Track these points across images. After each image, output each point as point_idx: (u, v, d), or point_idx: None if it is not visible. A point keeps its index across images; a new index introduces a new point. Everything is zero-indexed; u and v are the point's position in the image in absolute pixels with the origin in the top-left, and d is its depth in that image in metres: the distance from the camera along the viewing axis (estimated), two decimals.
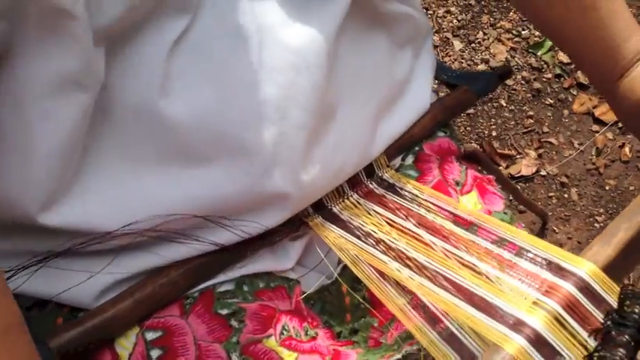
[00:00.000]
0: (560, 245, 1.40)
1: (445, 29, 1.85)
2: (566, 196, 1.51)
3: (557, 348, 0.44)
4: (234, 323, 0.53)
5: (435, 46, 1.81)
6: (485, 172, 0.72)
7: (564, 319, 0.46)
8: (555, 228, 1.44)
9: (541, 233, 1.31)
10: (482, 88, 0.76)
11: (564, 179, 1.53)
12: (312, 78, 0.51)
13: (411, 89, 0.66)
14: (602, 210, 1.46)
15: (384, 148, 0.63)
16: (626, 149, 1.58)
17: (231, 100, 0.48)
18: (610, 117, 1.64)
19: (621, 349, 0.43)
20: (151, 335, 0.51)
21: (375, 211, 0.61)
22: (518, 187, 1.51)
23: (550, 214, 1.45)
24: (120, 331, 0.51)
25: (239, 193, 0.51)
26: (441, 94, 0.75)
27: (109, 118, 0.47)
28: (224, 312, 0.53)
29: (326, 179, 0.56)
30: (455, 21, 1.86)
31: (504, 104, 1.68)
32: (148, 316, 0.52)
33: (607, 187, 1.52)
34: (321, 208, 0.60)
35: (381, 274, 0.55)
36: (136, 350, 0.51)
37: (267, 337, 0.54)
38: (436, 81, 0.79)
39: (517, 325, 0.45)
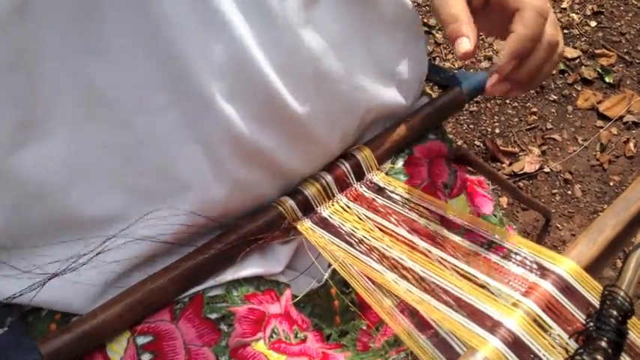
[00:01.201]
0: (564, 242, 1.40)
1: None
2: (569, 192, 1.50)
3: (535, 350, 0.44)
4: (223, 327, 0.54)
5: (438, 44, 1.81)
6: (478, 173, 0.73)
7: (543, 320, 0.46)
8: (559, 225, 1.44)
9: (544, 230, 1.31)
10: (474, 88, 0.76)
11: (568, 176, 1.52)
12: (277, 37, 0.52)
13: (398, 74, 0.67)
14: (606, 206, 1.46)
15: (363, 126, 0.64)
16: (631, 145, 1.57)
17: (190, 48, 0.49)
18: (614, 112, 1.63)
19: (600, 354, 0.43)
20: (141, 340, 0.53)
21: (365, 215, 0.62)
22: (521, 185, 1.51)
23: (553, 211, 1.45)
24: (111, 337, 0.52)
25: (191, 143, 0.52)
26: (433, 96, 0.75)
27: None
28: (213, 316, 0.54)
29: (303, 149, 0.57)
30: None
31: (508, 101, 1.68)
32: (138, 321, 0.53)
33: (611, 183, 1.51)
34: (309, 210, 0.61)
35: (370, 278, 0.55)
36: (127, 355, 0.52)
37: (256, 340, 0.55)
38: (428, 82, 0.79)
39: (494, 327, 0.45)
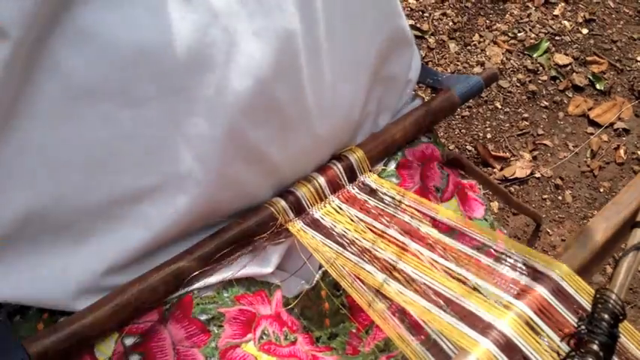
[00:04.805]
0: (554, 247, 1.40)
1: (441, 32, 1.85)
2: (560, 198, 1.50)
3: (527, 352, 0.44)
4: (213, 328, 0.54)
5: (431, 49, 1.81)
6: (469, 177, 0.72)
7: (535, 323, 0.46)
8: (549, 230, 1.44)
9: (534, 235, 1.31)
10: (467, 92, 0.76)
11: (559, 181, 1.53)
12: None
13: (386, 76, 0.66)
14: (596, 212, 1.46)
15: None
16: (621, 151, 1.57)
17: (176, 40, 0.48)
18: (605, 119, 1.64)
19: (591, 357, 0.43)
20: (129, 341, 0.52)
21: (357, 217, 0.61)
22: (512, 190, 1.51)
23: (544, 216, 1.45)
24: (99, 337, 0.51)
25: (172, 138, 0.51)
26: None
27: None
28: (203, 317, 0.54)
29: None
30: (451, 23, 1.86)
31: (499, 106, 1.68)
32: (127, 321, 0.52)
33: (601, 190, 1.51)
34: (301, 212, 0.60)
35: (361, 280, 0.55)
36: (114, 355, 0.51)
37: (246, 341, 0.54)
38: (421, 85, 0.79)
39: (486, 329, 0.45)
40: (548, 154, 1.59)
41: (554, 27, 1.87)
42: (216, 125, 0.51)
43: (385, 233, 0.59)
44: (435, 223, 0.60)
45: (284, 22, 0.52)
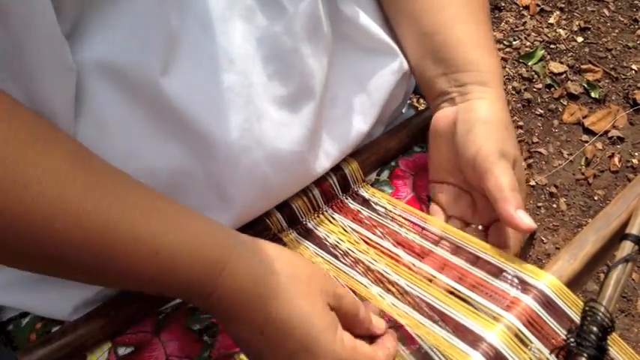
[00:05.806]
0: (548, 256, 1.41)
1: None
2: (554, 206, 1.51)
3: None
4: (206, 338, 0.54)
5: None
6: None
7: (524, 335, 0.46)
8: (543, 238, 1.45)
9: (529, 243, 1.31)
10: None
11: (553, 189, 1.54)
12: (273, 68, 0.52)
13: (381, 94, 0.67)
14: (590, 220, 1.47)
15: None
16: (616, 159, 1.59)
17: (197, 86, 0.49)
18: (600, 127, 1.65)
19: None
20: (122, 351, 0.52)
21: (351, 227, 0.62)
22: None
23: (538, 224, 1.46)
24: (92, 347, 0.52)
25: (197, 175, 0.51)
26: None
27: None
28: (196, 327, 0.54)
29: (295, 175, 0.57)
30: None
31: None
32: (121, 331, 0.53)
33: (596, 198, 1.52)
34: (295, 222, 0.61)
35: (354, 291, 0.55)
36: None
37: (240, 352, 0.54)
38: (416, 95, 0.80)
39: (476, 342, 0.46)
40: (543, 162, 1.60)
41: (549, 35, 1.88)
42: (239, 167, 0.51)
43: (378, 244, 0.60)
44: (428, 234, 0.60)
45: (300, 64, 0.53)
